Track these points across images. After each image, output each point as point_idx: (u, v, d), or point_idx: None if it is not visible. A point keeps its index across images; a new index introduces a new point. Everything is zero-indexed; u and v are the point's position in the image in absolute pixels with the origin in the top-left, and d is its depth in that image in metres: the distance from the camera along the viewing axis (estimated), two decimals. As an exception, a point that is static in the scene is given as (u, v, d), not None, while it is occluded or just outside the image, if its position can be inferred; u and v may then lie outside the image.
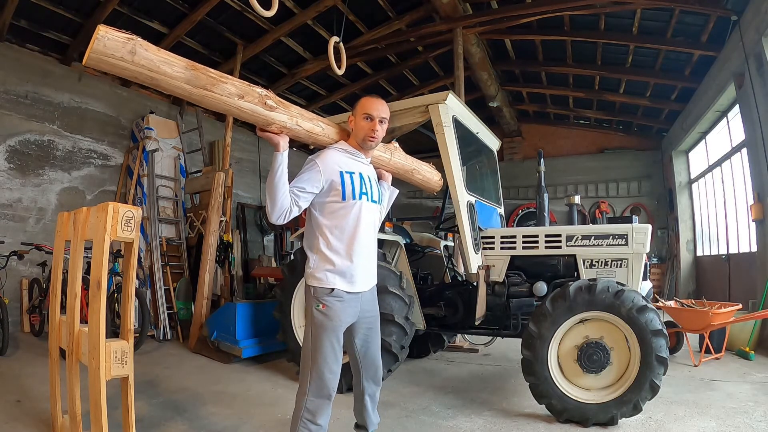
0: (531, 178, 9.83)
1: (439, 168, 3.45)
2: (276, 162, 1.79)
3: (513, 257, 3.43)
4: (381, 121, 2.01)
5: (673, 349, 4.41)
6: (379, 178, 2.23)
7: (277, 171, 1.78)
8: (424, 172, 2.67)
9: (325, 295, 1.89)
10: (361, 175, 1.99)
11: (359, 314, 2.00)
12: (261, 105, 1.77)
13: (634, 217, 3.58)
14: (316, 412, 1.86)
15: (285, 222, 1.85)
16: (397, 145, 2.21)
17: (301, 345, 2.22)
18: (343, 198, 1.91)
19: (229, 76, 1.72)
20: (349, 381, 3.31)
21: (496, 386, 3.62)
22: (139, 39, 1.48)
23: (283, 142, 1.83)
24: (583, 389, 2.74)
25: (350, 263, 1.92)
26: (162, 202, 6.66)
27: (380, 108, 2.02)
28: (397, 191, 2.38)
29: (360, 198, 1.95)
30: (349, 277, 1.92)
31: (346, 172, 1.94)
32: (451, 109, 3.36)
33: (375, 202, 2.05)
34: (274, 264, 7.68)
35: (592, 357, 2.70)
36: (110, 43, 1.40)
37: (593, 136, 10.30)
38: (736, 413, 2.83)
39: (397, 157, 2.35)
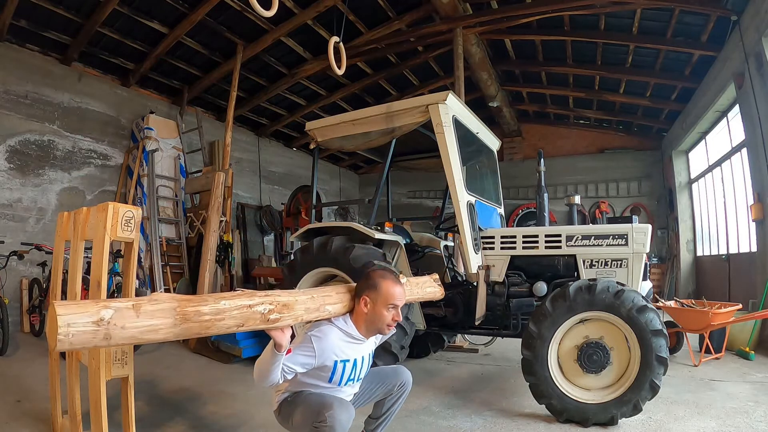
0: (531, 178, 9.83)
1: (440, 168, 3.46)
2: (274, 357, 1.67)
3: (513, 257, 3.42)
4: (401, 306, 1.97)
5: (673, 349, 4.40)
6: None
7: (273, 364, 1.68)
8: (428, 294, 2.63)
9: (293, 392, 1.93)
10: (354, 361, 1.93)
11: None
12: (264, 323, 1.57)
13: (634, 217, 3.58)
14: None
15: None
16: (406, 279, 2.09)
17: None
18: (329, 381, 1.88)
19: (227, 307, 1.45)
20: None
21: (496, 386, 3.62)
22: (112, 316, 1.20)
23: (285, 341, 1.66)
24: (583, 389, 2.74)
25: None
26: (162, 202, 6.66)
27: (403, 294, 1.97)
28: (388, 336, 2.24)
29: (345, 385, 1.93)
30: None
31: (341, 361, 1.87)
32: (451, 109, 3.36)
33: (359, 381, 2.02)
34: (274, 264, 7.69)
35: (592, 357, 2.70)
36: (77, 338, 1.14)
37: (593, 136, 10.31)
38: (736, 413, 2.83)
39: (405, 293, 2.26)
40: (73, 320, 1.14)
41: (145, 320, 1.26)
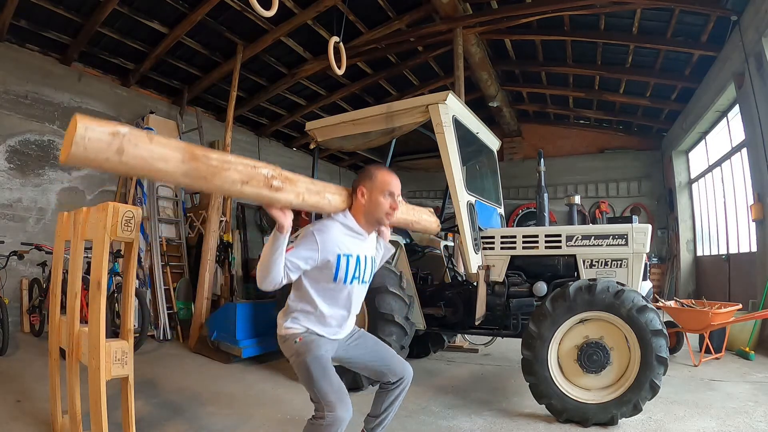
0: (531, 178, 9.83)
1: (440, 168, 3.46)
2: (277, 242, 1.67)
3: (513, 257, 3.43)
4: (398, 196, 1.97)
5: (673, 349, 4.41)
6: (378, 233, 2.12)
7: (275, 251, 1.67)
8: (424, 222, 2.63)
9: (300, 333, 1.89)
10: (357, 258, 1.91)
11: (339, 348, 2.00)
12: (266, 188, 1.60)
13: (634, 217, 3.58)
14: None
15: (273, 289, 1.80)
16: (401, 198, 2.12)
17: None
18: (334, 280, 1.86)
19: (233, 160, 1.52)
20: (349, 380, 3.32)
21: (496, 386, 3.62)
22: (128, 132, 1.24)
23: (288, 223, 1.68)
24: (583, 389, 2.74)
25: (329, 328, 1.93)
26: (162, 202, 6.66)
27: (399, 184, 1.96)
28: (393, 250, 2.29)
29: (351, 283, 1.91)
30: (325, 333, 1.93)
31: (344, 255, 1.85)
32: (451, 109, 3.36)
33: (365, 282, 2.01)
34: (274, 264, 7.66)
35: (592, 357, 2.70)
36: (92, 144, 1.16)
37: (593, 136, 10.31)
38: (736, 413, 2.83)
39: (398, 212, 2.28)
40: (92, 127, 1.17)
41: (157, 147, 1.30)
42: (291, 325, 1.91)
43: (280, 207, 1.68)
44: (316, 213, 4.11)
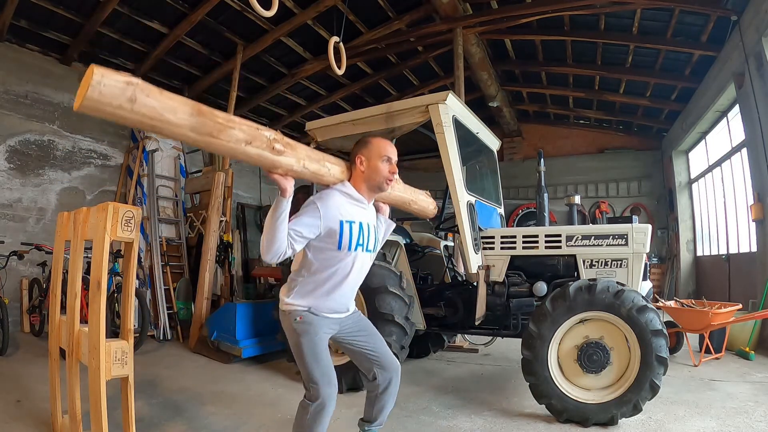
0: (531, 178, 9.83)
1: (440, 168, 3.46)
2: (280, 207, 1.70)
3: (513, 257, 3.42)
4: (395, 162, 1.99)
5: (673, 349, 4.41)
6: (377, 210, 2.15)
7: (279, 216, 1.69)
8: (421, 202, 2.64)
9: (301, 311, 1.89)
10: (360, 225, 1.92)
11: (340, 328, 2.00)
12: (269, 150, 1.65)
13: (634, 217, 3.59)
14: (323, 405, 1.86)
15: (278, 261, 1.81)
16: (397, 176, 2.15)
17: None
18: (339, 248, 1.86)
19: (237, 120, 1.57)
20: (349, 381, 3.32)
21: (496, 386, 3.62)
22: (140, 82, 1.30)
23: (290, 187, 1.72)
24: (583, 389, 2.74)
25: (332, 303, 1.93)
26: (162, 202, 6.66)
27: (395, 150, 1.99)
28: (394, 224, 2.31)
29: (355, 250, 1.91)
30: (327, 310, 1.92)
31: (347, 221, 1.87)
32: (451, 109, 3.36)
33: (369, 251, 2.01)
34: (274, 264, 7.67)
35: (592, 357, 2.70)
36: (107, 90, 1.21)
37: (593, 136, 10.30)
38: (736, 413, 2.83)
39: (396, 189, 2.30)
40: (108, 74, 1.22)
41: (166, 99, 1.38)
42: (293, 301, 1.90)
43: (282, 171, 1.72)
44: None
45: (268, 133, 1.65)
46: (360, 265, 1.97)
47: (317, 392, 1.83)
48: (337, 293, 1.91)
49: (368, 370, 2.09)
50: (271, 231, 1.70)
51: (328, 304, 1.91)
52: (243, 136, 1.56)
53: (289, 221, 1.75)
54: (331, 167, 1.93)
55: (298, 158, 1.77)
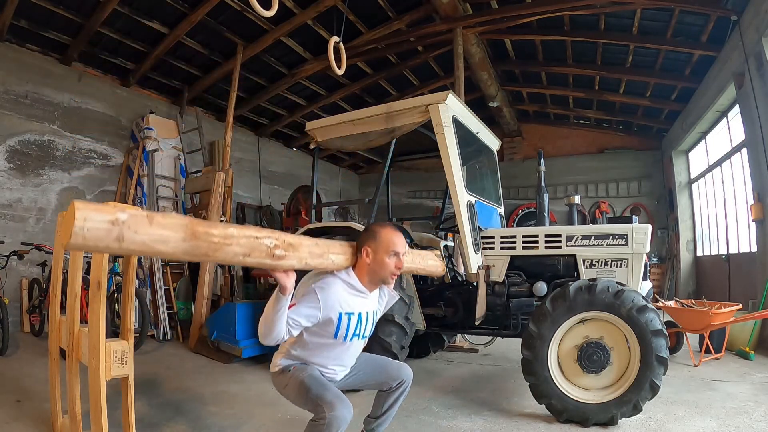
0: (531, 178, 9.83)
1: (440, 168, 3.46)
2: (279, 303, 1.66)
3: (513, 257, 3.42)
4: (404, 255, 1.97)
5: (673, 349, 4.40)
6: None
7: (278, 311, 1.67)
8: (429, 267, 2.63)
9: (295, 363, 1.93)
10: (359, 315, 1.91)
11: (337, 380, 2.02)
12: (269, 258, 1.58)
13: (634, 217, 3.58)
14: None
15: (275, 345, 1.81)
16: (407, 248, 2.11)
17: None
18: (335, 337, 1.87)
19: (235, 233, 1.48)
20: None
21: (496, 386, 3.62)
22: (127, 218, 1.22)
23: (290, 284, 1.66)
24: (583, 389, 2.74)
25: (325, 371, 1.95)
26: (162, 202, 6.66)
27: (404, 242, 1.96)
28: (397, 296, 2.27)
29: (350, 340, 1.91)
30: (321, 371, 1.95)
31: (346, 313, 1.86)
32: (451, 109, 3.36)
33: (365, 338, 2.01)
34: (274, 264, 7.66)
35: (592, 357, 2.70)
36: (91, 234, 1.15)
37: (593, 136, 10.31)
38: (736, 413, 2.83)
39: (405, 261, 2.26)
40: (91, 216, 1.15)
41: (157, 229, 1.29)
42: (284, 360, 1.93)
43: (283, 270, 1.66)
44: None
45: (269, 240, 1.57)
46: (354, 350, 1.99)
47: (332, 415, 1.70)
48: (329, 369, 1.95)
49: (381, 385, 2.12)
50: (270, 322, 1.68)
51: (322, 370, 1.94)
52: (241, 250, 1.49)
53: (289, 307, 1.72)
54: (335, 258, 1.87)
55: (300, 258, 1.70)
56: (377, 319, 2.10)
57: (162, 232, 1.30)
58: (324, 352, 1.91)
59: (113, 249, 1.23)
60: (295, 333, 1.79)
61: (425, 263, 2.58)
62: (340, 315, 1.84)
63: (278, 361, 1.95)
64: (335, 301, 1.83)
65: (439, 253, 2.78)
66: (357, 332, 1.91)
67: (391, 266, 1.91)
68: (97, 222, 1.17)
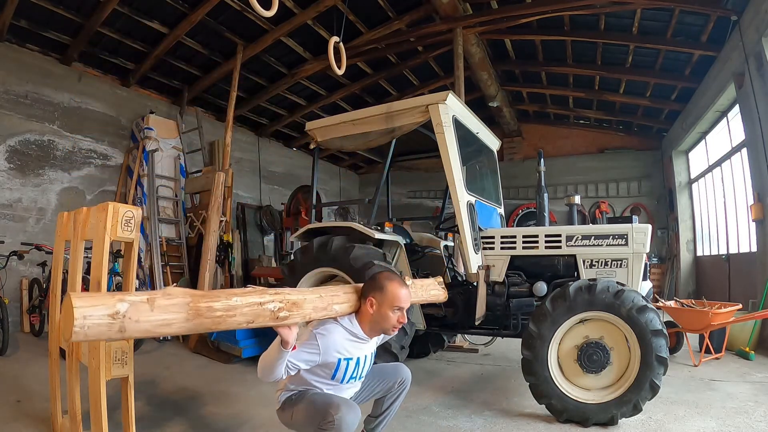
0: (531, 178, 9.83)
1: (440, 168, 3.46)
2: (280, 354, 1.68)
3: (513, 257, 3.42)
4: (407, 309, 1.98)
5: (673, 349, 4.40)
6: None
7: (278, 361, 1.70)
8: (432, 297, 2.66)
9: (297, 389, 1.96)
10: (358, 360, 1.95)
11: None
12: (273, 320, 1.59)
13: (634, 217, 3.58)
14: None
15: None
16: (412, 281, 2.08)
17: None
18: (332, 378, 1.90)
19: (239, 303, 1.47)
20: None
21: (496, 386, 3.62)
22: (128, 309, 1.21)
23: (292, 338, 1.67)
24: (583, 389, 2.74)
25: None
26: (162, 202, 6.66)
27: (409, 297, 1.97)
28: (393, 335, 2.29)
29: (347, 382, 1.95)
30: None
31: (344, 359, 1.90)
32: (451, 109, 3.36)
33: (361, 378, 2.04)
34: (274, 264, 7.68)
35: (592, 357, 2.70)
36: (92, 330, 1.14)
37: (593, 136, 10.31)
38: (736, 413, 2.83)
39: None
40: (90, 312, 1.14)
41: (159, 314, 1.27)
42: (287, 394, 1.97)
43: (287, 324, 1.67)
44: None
45: (272, 305, 1.57)
46: (351, 391, 2.02)
47: (339, 417, 1.72)
48: (329, 393, 1.96)
49: (386, 390, 2.15)
50: (270, 367, 1.71)
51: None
52: (245, 319, 1.49)
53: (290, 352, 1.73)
54: (338, 308, 1.88)
55: (304, 315, 1.71)
56: (373, 358, 2.13)
57: (165, 316, 1.29)
58: (323, 388, 1.94)
59: (116, 338, 1.26)
60: (293, 374, 1.84)
61: (428, 294, 2.61)
62: (339, 360, 1.88)
63: (280, 397, 1.99)
64: (335, 348, 1.86)
65: (441, 280, 2.82)
66: (354, 375, 1.96)
67: (394, 320, 1.93)
68: (98, 318, 1.15)
